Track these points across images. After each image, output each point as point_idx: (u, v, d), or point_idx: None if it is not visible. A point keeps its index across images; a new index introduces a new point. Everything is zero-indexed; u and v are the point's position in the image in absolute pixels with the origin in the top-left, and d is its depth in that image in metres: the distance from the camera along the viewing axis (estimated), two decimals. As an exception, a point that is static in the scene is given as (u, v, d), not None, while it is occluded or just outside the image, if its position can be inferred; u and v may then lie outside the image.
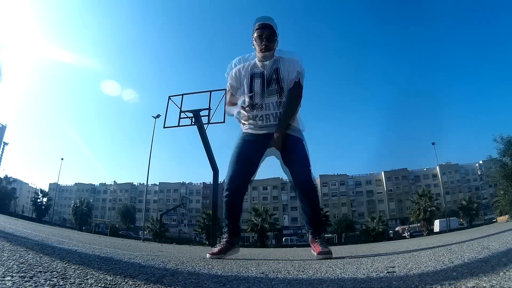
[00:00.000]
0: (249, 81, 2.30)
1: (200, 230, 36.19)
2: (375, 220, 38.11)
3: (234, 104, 2.44)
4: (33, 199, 47.51)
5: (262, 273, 1.16)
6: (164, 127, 13.00)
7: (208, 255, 2.09)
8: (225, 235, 2.22)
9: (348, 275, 1.01)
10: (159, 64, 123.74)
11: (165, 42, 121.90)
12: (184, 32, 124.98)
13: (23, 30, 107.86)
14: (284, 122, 2.19)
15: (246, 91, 2.30)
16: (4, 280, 0.70)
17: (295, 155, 2.20)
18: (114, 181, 68.43)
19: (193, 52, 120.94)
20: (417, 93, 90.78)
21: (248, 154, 2.25)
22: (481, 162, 51.56)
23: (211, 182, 12.48)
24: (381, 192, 56.86)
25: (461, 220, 37.11)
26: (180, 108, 12.52)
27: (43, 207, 45.83)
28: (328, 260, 1.82)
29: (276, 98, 2.25)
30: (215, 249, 2.15)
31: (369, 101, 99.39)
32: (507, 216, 22.79)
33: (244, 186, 2.28)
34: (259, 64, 2.32)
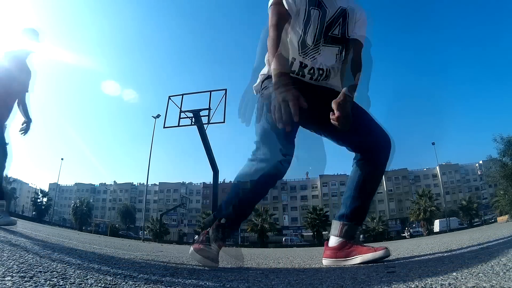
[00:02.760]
0: (305, 15, 1.44)
1: (200, 230, 36.22)
2: (375, 220, 38.15)
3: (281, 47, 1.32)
4: (33, 199, 47.55)
5: (262, 273, 1.16)
6: (164, 127, 13.05)
7: (194, 253, 1.31)
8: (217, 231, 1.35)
9: (348, 275, 1.01)
10: (159, 64, 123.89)
11: (165, 41, 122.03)
12: (184, 32, 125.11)
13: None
14: (355, 87, 1.36)
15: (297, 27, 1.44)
16: (4, 280, 0.70)
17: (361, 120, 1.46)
18: (114, 181, 68.45)
19: (193, 52, 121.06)
20: (417, 92, 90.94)
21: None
22: (481, 162, 51.55)
23: (211, 182, 12.49)
24: (381, 192, 56.81)
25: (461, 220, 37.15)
26: (180, 108, 12.55)
27: (43, 207, 45.87)
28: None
29: (337, 51, 1.50)
30: (208, 251, 1.31)
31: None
32: (507, 216, 22.80)
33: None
34: None
